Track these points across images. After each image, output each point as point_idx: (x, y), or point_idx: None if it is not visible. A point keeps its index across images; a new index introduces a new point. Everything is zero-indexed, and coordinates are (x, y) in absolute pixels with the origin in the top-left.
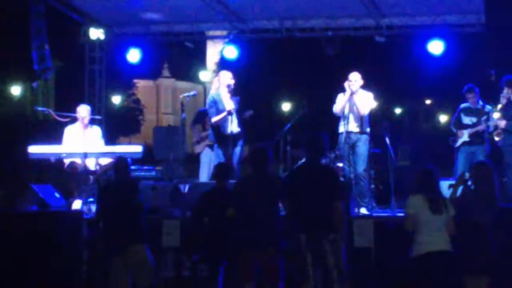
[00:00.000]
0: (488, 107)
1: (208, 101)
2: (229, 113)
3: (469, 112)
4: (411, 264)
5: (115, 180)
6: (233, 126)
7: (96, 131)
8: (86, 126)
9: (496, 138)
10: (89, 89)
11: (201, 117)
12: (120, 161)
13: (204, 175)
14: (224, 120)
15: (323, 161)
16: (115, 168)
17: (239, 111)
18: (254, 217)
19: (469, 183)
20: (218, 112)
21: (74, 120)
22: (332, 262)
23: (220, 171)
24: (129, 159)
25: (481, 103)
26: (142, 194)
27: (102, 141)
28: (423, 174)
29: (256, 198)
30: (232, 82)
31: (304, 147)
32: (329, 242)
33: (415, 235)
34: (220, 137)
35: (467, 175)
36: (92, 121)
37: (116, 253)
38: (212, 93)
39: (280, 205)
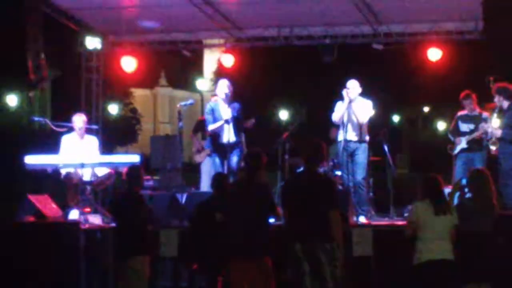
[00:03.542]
0: (485, 114)
1: (206, 109)
2: (226, 121)
3: (466, 119)
4: (412, 272)
5: (126, 190)
6: (230, 135)
7: (93, 141)
8: (82, 136)
9: (493, 147)
10: (86, 98)
11: (201, 125)
12: (132, 169)
13: (205, 185)
14: (221, 129)
15: (322, 169)
16: (127, 176)
17: (238, 119)
18: (243, 225)
19: (466, 190)
20: (215, 120)
21: (70, 129)
22: (329, 272)
23: (217, 180)
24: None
25: (478, 109)
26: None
27: (97, 152)
28: (428, 180)
29: (244, 206)
30: (228, 90)
31: (304, 154)
32: (325, 251)
33: (417, 243)
34: (217, 145)
35: (463, 181)
36: (89, 131)
37: (118, 260)
38: (210, 102)
39: (279, 213)
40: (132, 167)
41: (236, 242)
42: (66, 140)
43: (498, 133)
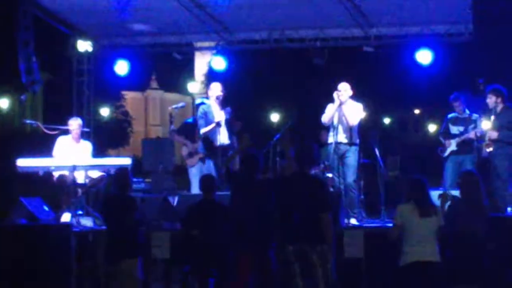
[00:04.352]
0: (475, 115)
1: (198, 113)
2: (218, 124)
3: (456, 121)
4: (398, 274)
5: (115, 193)
6: (222, 138)
7: (88, 146)
8: (77, 140)
9: (488, 149)
10: (77, 101)
11: (188, 128)
12: (119, 172)
13: (196, 188)
14: (214, 132)
15: (313, 172)
16: (115, 179)
17: (230, 122)
18: (249, 221)
19: (455, 199)
20: (207, 123)
21: (62, 132)
22: (320, 273)
23: (206, 183)
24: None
25: (467, 111)
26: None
27: (90, 156)
28: (412, 183)
29: (250, 201)
30: (220, 93)
31: (295, 157)
32: (317, 253)
33: (403, 245)
34: (210, 148)
35: (449, 194)
36: (83, 134)
37: (109, 263)
38: (202, 105)
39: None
40: (119, 170)
41: (244, 238)
42: (61, 142)
43: (494, 134)
